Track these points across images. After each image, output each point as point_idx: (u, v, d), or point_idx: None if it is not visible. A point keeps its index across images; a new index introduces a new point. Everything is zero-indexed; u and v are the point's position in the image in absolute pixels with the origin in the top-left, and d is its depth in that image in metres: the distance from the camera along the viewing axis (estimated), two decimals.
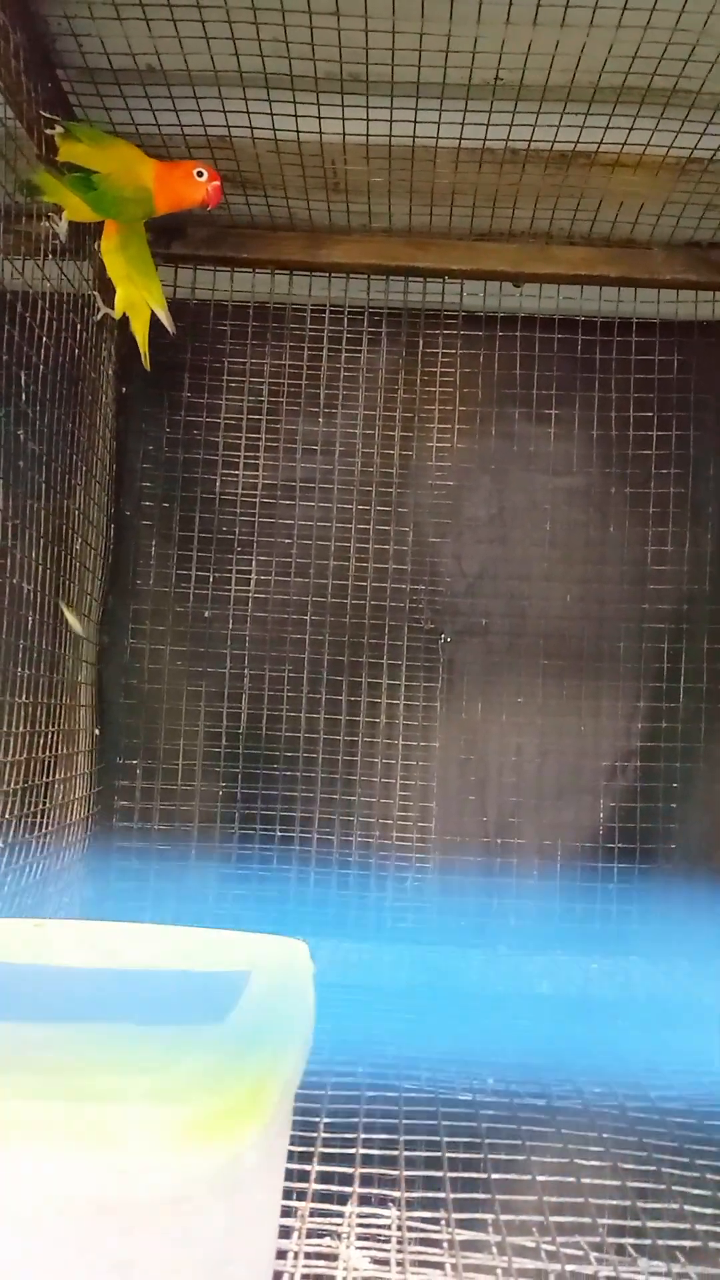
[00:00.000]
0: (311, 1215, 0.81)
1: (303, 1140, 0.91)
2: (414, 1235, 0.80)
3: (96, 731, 1.61)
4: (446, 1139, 0.94)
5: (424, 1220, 0.82)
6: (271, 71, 1.23)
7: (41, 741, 1.33)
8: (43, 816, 1.35)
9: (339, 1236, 0.79)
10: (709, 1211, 0.85)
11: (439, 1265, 0.76)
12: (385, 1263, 0.76)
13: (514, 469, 1.67)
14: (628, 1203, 0.87)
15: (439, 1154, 0.92)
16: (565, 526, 1.66)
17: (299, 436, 1.66)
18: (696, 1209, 0.85)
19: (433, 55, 1.19)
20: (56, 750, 1.40)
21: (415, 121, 1.30)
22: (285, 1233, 0.78)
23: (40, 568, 1.32)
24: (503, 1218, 0.82)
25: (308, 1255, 0.76)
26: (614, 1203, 0.88)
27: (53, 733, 1.38)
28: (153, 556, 1.65)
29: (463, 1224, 0.81)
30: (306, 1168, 0.87)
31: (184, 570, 1.64)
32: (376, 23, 1.14)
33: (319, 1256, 0.77)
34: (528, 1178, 0.90)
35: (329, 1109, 0.98)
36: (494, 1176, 0.89)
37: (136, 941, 0.73)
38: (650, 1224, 0.83)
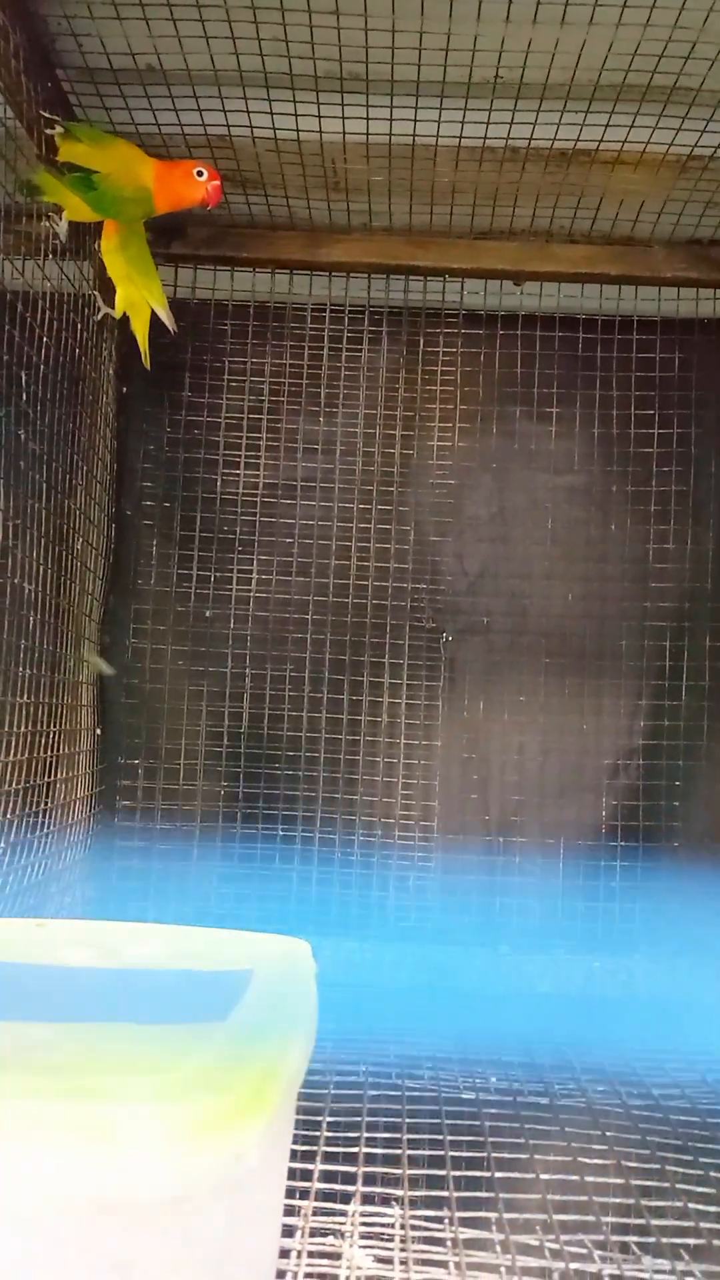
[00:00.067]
0: (315, 1214, 0.81)
1: (306, 1139, 0.91)
2: (418, 1234, 0.80)
3: (98, 731, 1.61)
4: (449, 1137, 0.94)
5: (427, 1219, 0.82)
6: (271, 71, 1.23)
7: (43, 741, 1.33)
8: (45, 816, 1.35)
9: (342, 1235, 0.79)
10: (713, 1209, 0.85)
11: (443, 1264, 0.76)
12: (389, 1261, 0.76)
13: (515, 467, 1.67)
14: (631, 1200, 0.87)
15: (442, 1152, 0.92)
16: (566, 525, 1.66)
17: (299, 436, 1.66)
18: (700, 1206, 0.85)
19: (432, 54, 1.19)
20: (58, 750, 1.40)
21: (415, 120, 1.30)
22: (289, 1231, 0.78)
23: (41, 567, 1.32)
24: (506, 1216, 0.82)
25: (311, 1254, 0.76)
26: (618, 1200, 0.88)
27: (54, 732, 1.38)
28: (154, 556, 1.65)
29: (466, 1222, 0.81)
30: (310, 1166, 0.87)
31: (185, 570, 1.64)
32: (376, 21, 1.14)
33: (323, 1255, 0.77)
34: (531, 1176, 0.90)
35: (332, 1108, 0.98)
36: (497, 1175, 0.89)
37: (138, 941, 0.73)
38: (654, 1222, 0.82)
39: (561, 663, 1.63)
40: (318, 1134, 0.93)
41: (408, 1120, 0.98)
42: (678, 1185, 0.89)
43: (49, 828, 1.36)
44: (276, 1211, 0.62)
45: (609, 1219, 0.83)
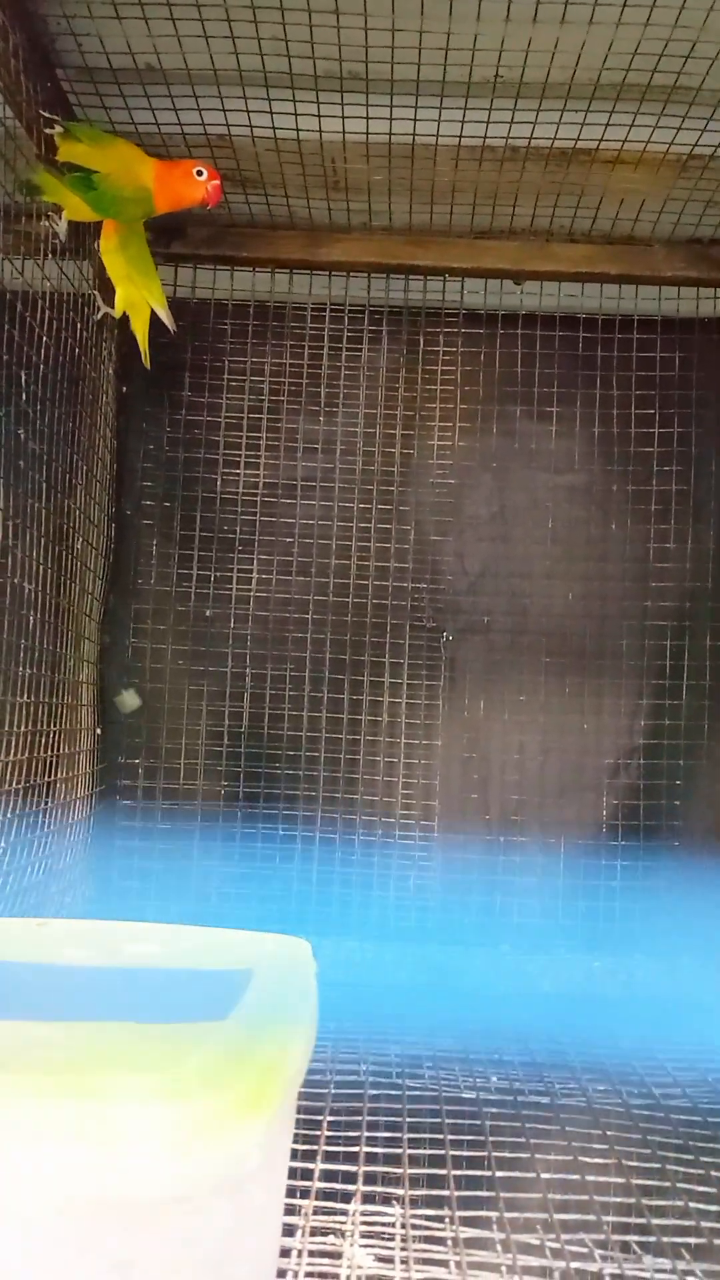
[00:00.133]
0: (315, 1213, 0.81)
1: (306, 1138, 0.91)
2: (418, 1233, 0.80)
3: (98, 731, 1.61)
4: (450, 1137, 0.94)
5: (428, 1218, 0.82)
6: (271, 70, 1.23)
7: (43, 741, 1.33)
8: (45, 815, 1.35)
9: (343, 1234, 0.79)
10: (713, 1208, 0.85)
11: (443, 1263, 0.76)
12: (390, 1260, 0.76)
13: (515, 467, 1.67)
14: (632, 1200, 0.87)
15: (443, 1152, 0.92)
16: (566, 524, 1.66)
17: (300, 435, 1.66)
18: (701, 1206, 0.85)
19: (432, 53, 1.19)
20: (58, 749, 1.40)
21: (415, 120, 1.30)
22: (289, 1231, 0.78)
23: (41, 567, 1.32)
24: (507, 1215, 0.82)
25: (312, 1253, 0.76)
26: (618, 1200, 0.88)
27: (54, 732, 1.38)
28: (154, 556, 1.65)
29: (467, 1221, 0.81)
30: (310, 1166, 0.87)
31: (185, 569, 1.64)
32: (376, 21, 1.14)
33: (323, 1254, 0.77)
34: (532, 1175, 0.90)
35: (332, 1107, 0.98)
36: (498, 1174, 0.89)
37: (139, 940, 0.73)
38: (655, 1221, 0.82)
39: (562, 662, 1.63)
40: (318, 1133, 0.93)
41: (408, 1119, 0.98)
42: (678, 1184, 0.89)
43: (49, 827, 1.36)
44: (277, 1211, 0.62)
45: (610, 1218, 0.83)
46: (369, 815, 1.61)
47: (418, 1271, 0.74)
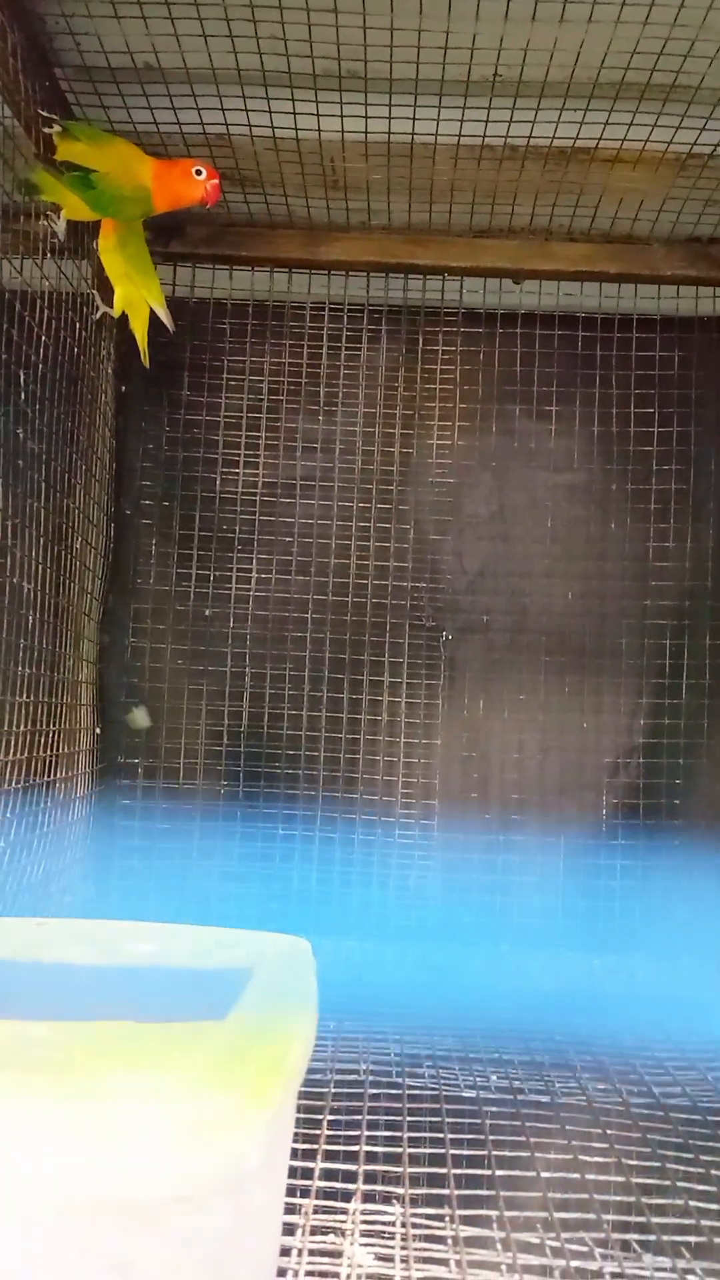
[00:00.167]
0: (316, 1212, 0.81)
1: (307, 1137, 0.91)
2: (418, 1232, 0.80)
3: (98, 730, 1.61)
4: (450, 1135, 0.94)
5: (428, 1217, 0.82)
6: (269, 69, 1.23)
7: (43, 740, 1.33)
8: (45, 815, 1.35)
9: (343, 1233, 0.79)
10: (714, 1207, 0.85)
11: (444, 1261, 0.76)
12: (390, 1259, 0.76)
13: (514, 466, 1.67)
14: (632, 1199, 0.87)
15: (443, 1151, 0.92)
16: (566, 523, 1.66)
17: (299, 434, 1.66)
18: (701, 1204, 0.85)
19: (431, 52, 1.19)
20: (58, 749, 1.40)
21: (414, 119, 1.30)
22: (289, 1230, 0.78)
23: (40, 567, 1.32)
24: (507, 1214, 0.82)
25: (312, 1252, 0.76)
26: (619, 1199, 0.88)
27: (54, 732, 1.38)
28: (153, 555, 1.65)
29: (467, 1220, 0.81)
30: (310, 1165, 0.87)
31: (184, 569, 1.64)
32: (374, 20, 1.14)
33: (323, 1253, 0.77)
34: (532, 1174, 0.90)
35: (332, 1106, 0.98)
36: (498, 1173, 0.89)
37: (138, 939, 0.73)
38: (655, 1220, 0.82)
39: (561, 661, 1.63)
40: (318, 1132, 0.93)
41: (408, 1119, 0.98)
42: (678, 1183, 0.89)
43: (49, 827, 1.36)
44: (277, 1210, 0.62)
45: (610, 1217, 0.83)
46: (369, 815, 1.61)
47: (418, 1270, 0.74)
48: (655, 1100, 1.05)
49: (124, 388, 1.63)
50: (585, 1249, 0.79)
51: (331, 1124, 0.95)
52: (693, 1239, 0.80)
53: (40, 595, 1.32)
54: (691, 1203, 0.85)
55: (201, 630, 1.64)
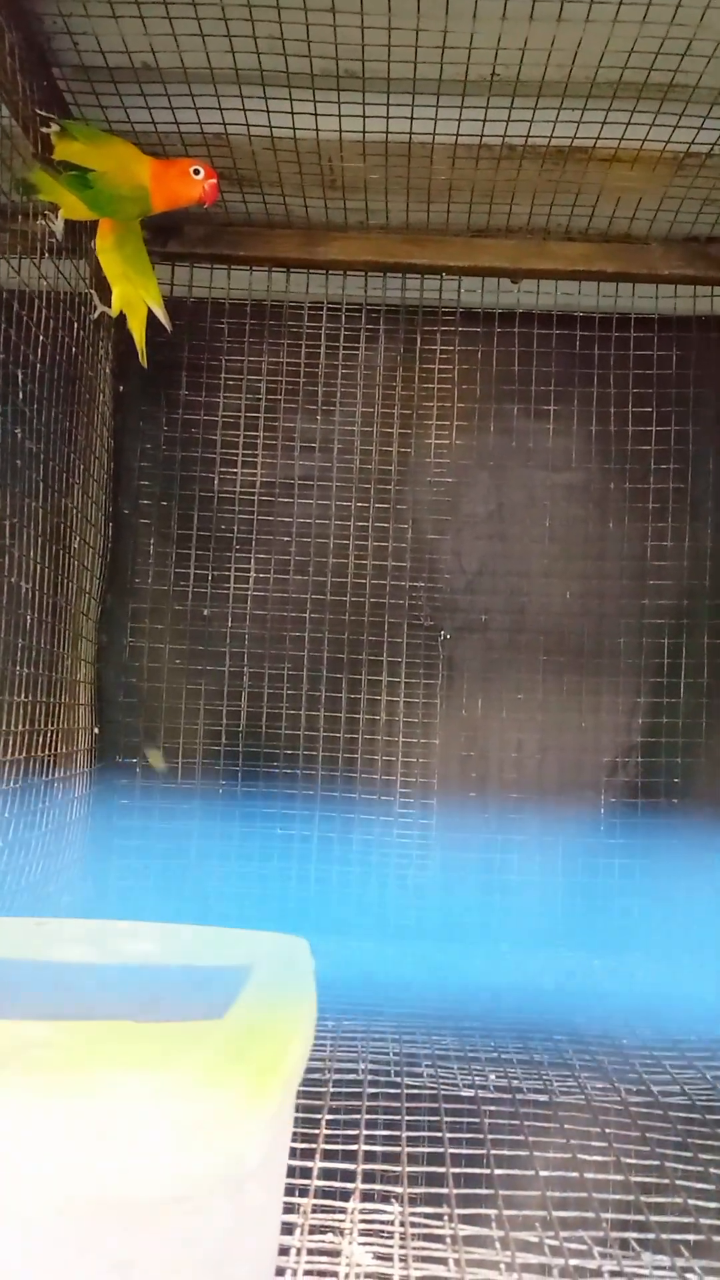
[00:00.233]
0: (314, 1211, 0.81)
1: (305, 1136, 0.91)
2: (417, 1231, 0.80)
3: (96, 730, 1.61)
4: (449, 1135, 0.94)
5: (427, 1216, 0.82)
6: (268, 69, 1.23)
7: (41, 740, 1.33)
8: (42, 815, 1.35)
9: (342, 1233, 0.79)
10: (712, 1205, 0.85)
11: (442, 1260, 0.76)
12: (388, 1258, 0.76)
13: (513, 465, 1.67)
14: (631, 1197, 0.87)
15: (441, 1150, 0.92)
16: (564, 522, 1.66)
17: (297, 434, 1.66)
18: (700, 1203, 0.85)
19: (429, 51, 1.19)
20: (56, 749, 1.40)
21: (412, 118, 1.30)
22: (288, 1229, 0.78)
23: (38, 566, 1.32)
24: (506, 1213, 0.82)
25: (311, 1251, 0.76)
26: (617, 1197, 0.88)
27: (51, 731, 1.38)
28: (151, 555, 1.65)
29: (466, 1219, 0.81)
30: (309, 1164, 0.87)
31: (183, 568, 1.64)
32: (372, 19, 1.14)
33: (322, 1253, 0.77)
34: (530, 1173, 0.90)
35: (331, 1105, 0.98)
36: (497, 1172, 0.89)
37: (137, 939, 0.73)
38: (654, 1218, 0.82)
39: (560, 660, 1.63)
40: (317, 1131, 0.93)
41: (407, 1118, 0.98)
42: (677, 1182, 0.89)
43: (47, 826, 1.36)
44: (276, 1209, 0.62)
45: (609, 1215, 0.83)
46: (367, 814, 1.61)
47: (417, 1269, 0.74)
48: (654, 1099, 1.05)
49: (122, 387, 1.63)
50: (584, 1247, 0.79)
51: (330, 1123, 0.95)
52: (691, 1237, 0.80)
53: (38, 595, 1.32)
54: (690, 1201, 0.85)
55: (200, 630, 1.64)
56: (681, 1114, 1.02)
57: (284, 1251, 0.75)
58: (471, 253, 1.58)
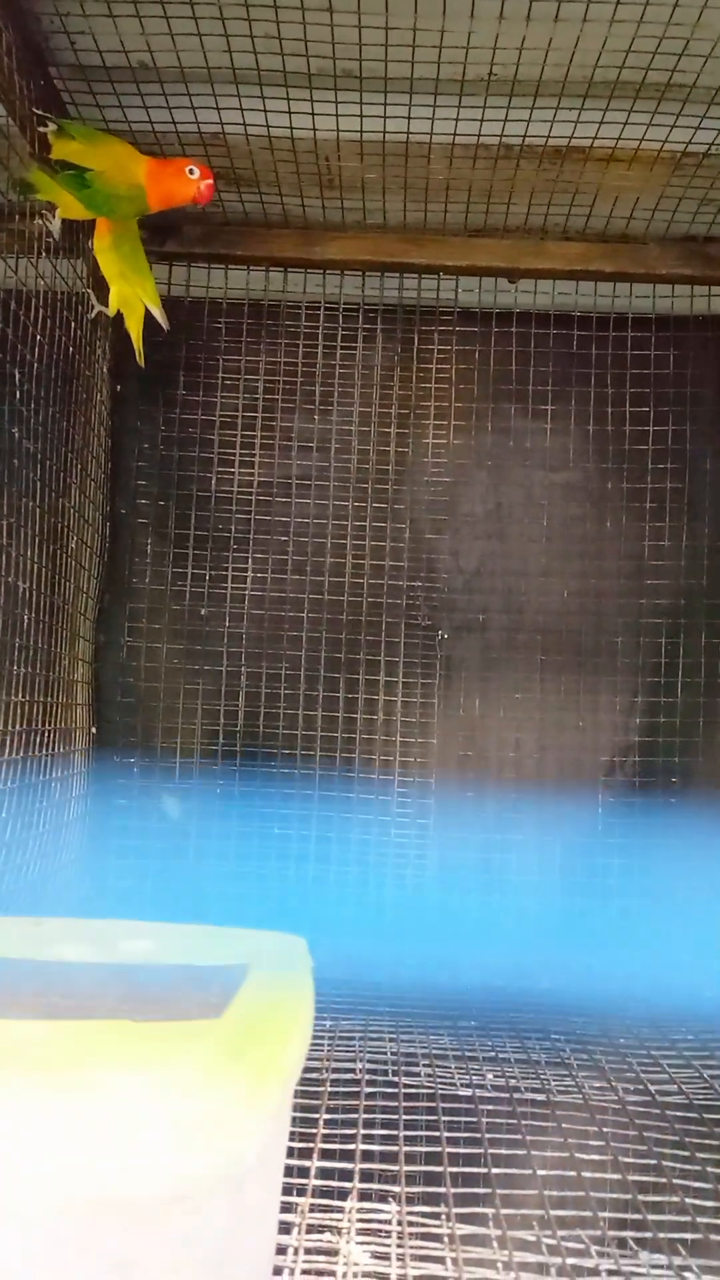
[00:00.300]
0: (312, 1210, 0.81)
1: (303, 1136, 0.91)
2: (415, 1230, 0.80)
3: (93, 730, 1.61)
4: (446, 1134, 0.94)
5: (424, 1215, 0.82)
6: (265, 68, 1.23)
7: (38, 740, 1.33)
8: (40, 814, 1.35)
9: (339, 1232, 0.79)
10: (710, 1204, 0.85)
11: (440, 1259, 0.76)
12: (386, 1257, 0.76)
13: (510, 465, 1.67)
14: (629, 1196, 0.87)
15: (439, 1149, 0.92)
16: (562, 522, 1.66)
17: (295, 434, 1.66)
18: (697, 1202, 0.85)
19: (426, 51, 1.19)
20: (54, 749, 1.40)
21: (409, 117, 1.30)
22: (285, 1228, 0.78)
23: (36, 566, 1.32)
24: (503, 1212, 0.82)
25: (308, 1250, 0.76)
26: (615, 1196, 0.88)
27: (49, 731, 1.38)
28: (149, 555, 1.65)
29: (463, 1218, 0.81)
30: (306, 1163, 0.87)
31: (180, 568, 1.64)
32: (370, 18, 1.14)
33: (319, 1252, 0.77)
34: (528, 1172, 0.90)
35: (329, 1104, 0.98)
36: (494, 1171, 0.89)
37: (135, 937, 0.73)
38: (651, 1217, 0.83)
39: (558, 660, 1.64)
40: (315, 1130, 0.93)
41: (405, 1117, 0.98)
42: (675, 1181, 0.89)
43: (45, 826, 1.36)
44: (274, 1208, 0.62)
45: (606, 1214, 0.83)
46: (365, 814, 1.61)
47: (414, 1268, 0.74)
48: (651, 1098, 1.05)
49: (119, 387, 1.63)
50: (582, 1247, 0.79)
51: (328, 1122, 0.95)
52: (689, 1236, 0.81)
53: (36, 595, 1.32)
54: (688, 1200, 0.85)
55: (197, 630, 1.64)
56: (679, 1113, 1.02)
57: (281, 1251, 0.75)
58: (469, 252, 1.58)
